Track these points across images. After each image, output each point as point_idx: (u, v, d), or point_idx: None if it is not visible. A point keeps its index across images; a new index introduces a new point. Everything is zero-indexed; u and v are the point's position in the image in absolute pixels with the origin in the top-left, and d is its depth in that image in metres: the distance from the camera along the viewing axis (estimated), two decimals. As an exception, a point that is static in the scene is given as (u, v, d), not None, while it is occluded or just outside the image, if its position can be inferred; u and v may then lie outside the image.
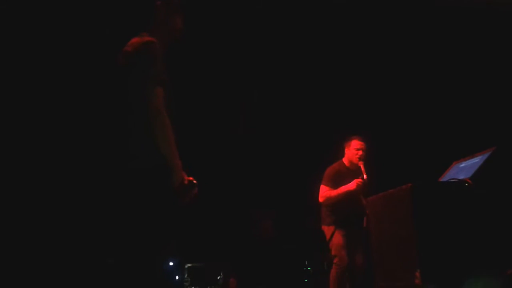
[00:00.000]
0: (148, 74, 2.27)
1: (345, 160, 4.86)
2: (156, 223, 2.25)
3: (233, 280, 8.14)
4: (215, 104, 7.03)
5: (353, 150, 4.76)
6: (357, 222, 4.60)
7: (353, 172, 4.72)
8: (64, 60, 5.47)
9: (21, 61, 5.34)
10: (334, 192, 4.67)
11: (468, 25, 5.85)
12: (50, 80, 5.55)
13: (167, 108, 2.28)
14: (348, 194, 4.61)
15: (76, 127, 5.69)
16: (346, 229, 4.65)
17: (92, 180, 5.42)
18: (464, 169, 3.39)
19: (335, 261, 4.59)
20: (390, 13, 5.91)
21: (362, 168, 4.62)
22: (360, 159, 4.70)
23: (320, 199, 4.75)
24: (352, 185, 4.57)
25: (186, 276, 8.20)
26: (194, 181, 2.39)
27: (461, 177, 3.14)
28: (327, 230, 4.74)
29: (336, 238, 4.65)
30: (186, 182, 2.31)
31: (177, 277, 8.34)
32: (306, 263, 7.80)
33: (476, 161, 3.29)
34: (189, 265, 8.25)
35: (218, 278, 8.14)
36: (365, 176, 4.55)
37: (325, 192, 4.71)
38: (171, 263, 7.27)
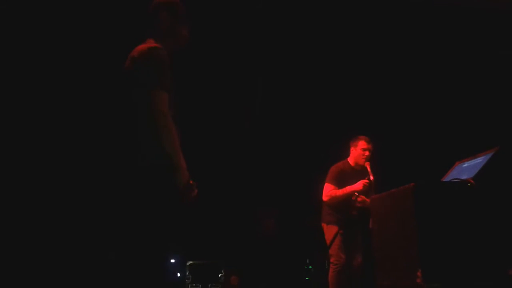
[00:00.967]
0: (153, 78, 2.33)
1: (350, 160, 4.81)
2: (160, 219, 2.29)
3: (234, 277, 8.16)
4: (220, 105, 7.05)
5: (359, 151, 4.70)
6: (358, 223, 4.60)
7: (357, 172, 4.68)
8: (74, 66, 5.75)
9: (35, 66, 5.63)
10: (340, 192, 4.62)
11: (471, 25, 5.85)
12: (60, 84, 5.83)
13: (173, 113, 2.35)
14: (353, 194, 4.58)
15: (87, 128, 5.98)
16: (346, 229, 4.62)
17: (99, 177, 5.56)
18: (466, 169, 3.38)
19: (331, 260, 4.56)
20: (397, 15, 5.91)
21: (369, 169, 4.57)
22: (366, 160, 4.66)
23: (324, 198, 4.69)
24: (358, 185, 4.52)
25: (187, 273, 8.22)
26: (195, 182, 2.43)
27: (464, 177, 3.13)
28: (327, 228, 4.71)
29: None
30: (191, 182, 2.35)
31: (178, 274, 8.36)
32: (308, 261, 7.83)
33: (479, 161, 3.28)
34: (191, 262, 8.26)
35: (219, 275, 8.16)
36: (371, 177, 4.51)
37: (330, 191, 4.66)
38: (172, 260, 7.30)
